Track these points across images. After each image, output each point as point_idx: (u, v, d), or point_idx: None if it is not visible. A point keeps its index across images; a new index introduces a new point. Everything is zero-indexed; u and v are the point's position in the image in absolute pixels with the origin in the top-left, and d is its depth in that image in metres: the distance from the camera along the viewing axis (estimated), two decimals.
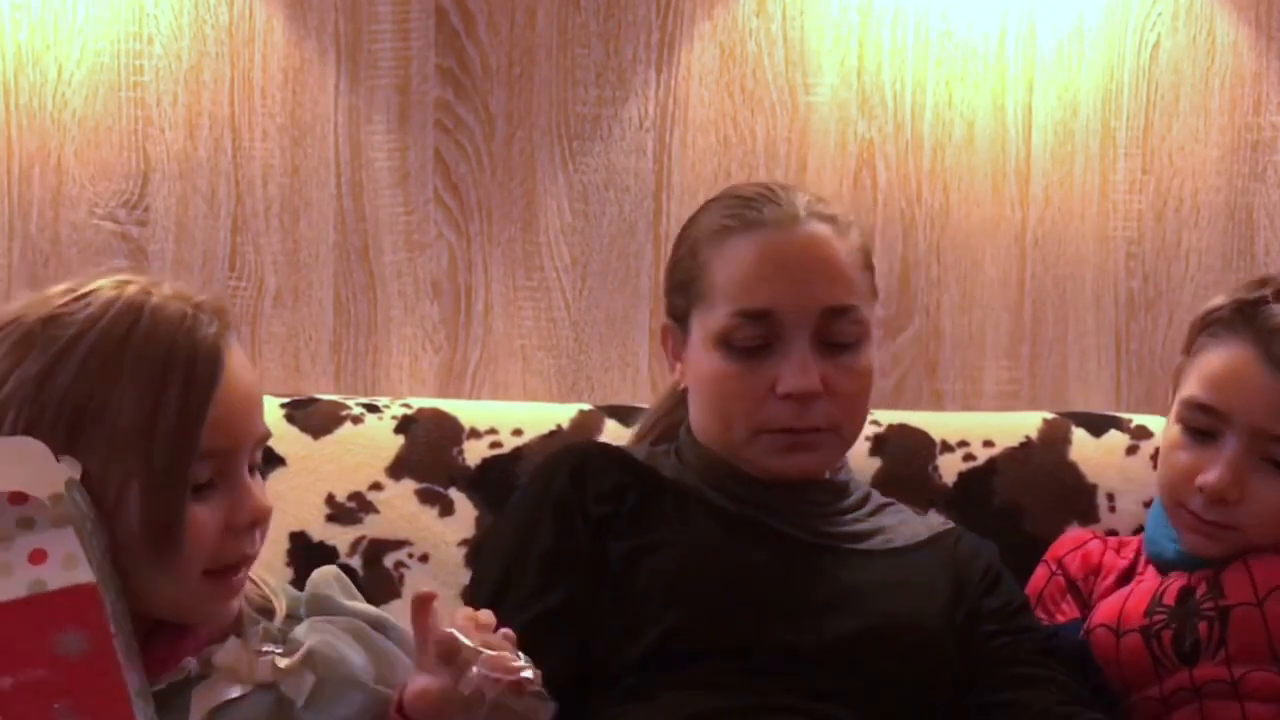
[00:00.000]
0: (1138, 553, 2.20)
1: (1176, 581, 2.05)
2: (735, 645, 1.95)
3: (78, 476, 1.58)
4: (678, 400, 2.22)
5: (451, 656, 1.59)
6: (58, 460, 1.58)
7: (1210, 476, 2.02)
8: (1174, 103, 2.71)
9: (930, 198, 2.71)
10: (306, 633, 1.72)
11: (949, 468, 2.45)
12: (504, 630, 1.65)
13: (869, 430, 2.46)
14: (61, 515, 1.55)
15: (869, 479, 2.40)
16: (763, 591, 2.00)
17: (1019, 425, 2.50)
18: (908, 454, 2.46)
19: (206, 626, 1.71)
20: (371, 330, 2.70)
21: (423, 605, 1.65)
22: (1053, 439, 2.48)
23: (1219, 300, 2.11)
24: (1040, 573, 2.24)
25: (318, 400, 2.49)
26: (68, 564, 1.52)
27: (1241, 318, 2.06)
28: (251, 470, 1.71)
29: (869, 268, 2.12)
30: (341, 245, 2.70)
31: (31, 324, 1.64)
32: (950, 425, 2.51)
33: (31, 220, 2.68)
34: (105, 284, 1.68)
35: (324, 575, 1.81)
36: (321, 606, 1.78)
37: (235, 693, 1.68)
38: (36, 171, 2.68)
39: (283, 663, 1.69)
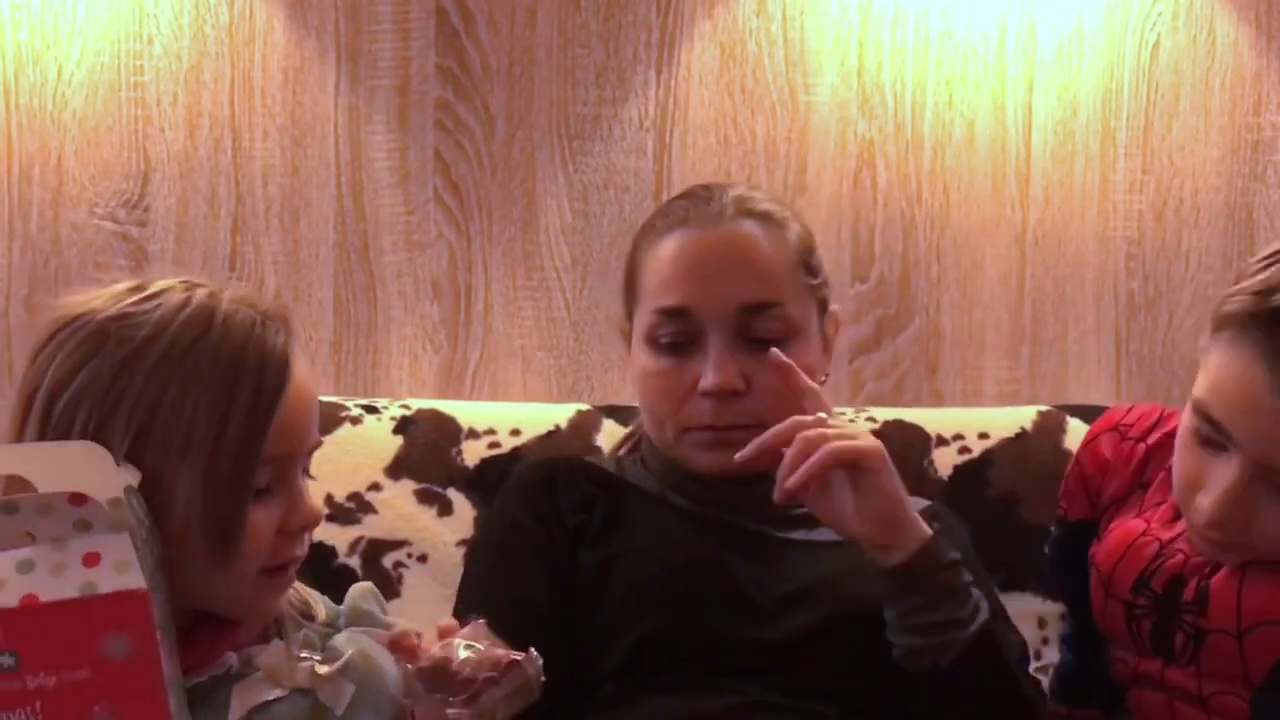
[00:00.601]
0: (1157, 443, 2.08)
1: (1172, 562, 1.97)
2: (711, 646, 1.95)
3: (136, 484, 1.59)
4: None
5: (448, 679, 1.61)
6: (118, 465, 1.59)
7: (1206, 502, 1.86)
8: (1174, 103, 2.70)
9: (930, 198, 2.71)
10: (346, 643, 1.74)
11: (944, 461, 2.46)
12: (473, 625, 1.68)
13: (864, 427, 2.46)
14: (119, 520, 1.56)
15: None
16: (735, 591, 1.99)
17: (1014, 418, 2.51)
18: (902, 449, 2.45)
19: (250, 624, 1.73)
20: (371, 330, 2.70)
21: (405, 647, 1.66)
22: (1047, 429, 2.48)
23: (1245, 286, 1.83)
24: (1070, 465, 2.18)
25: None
26: (120, 569, 1.54)
27: (1259, 328, 1.80)
28: (304, 475, 1.74)
29: (806, 265, 2.09)
30: (341, 245, 2.70)
31: (102, 321, 1.65)
32: (945, 420, 2.51)
33: (31, 220, 2.68)
34: (173, 285, 1.70)
35: (361, 591, 1.84)
36: (360, 620, 1.81)
37: (275, 694, 1.69)
38: (36, 171, 2.68)
39: (322, 670, 1.70)
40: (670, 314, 2.05)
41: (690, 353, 2.04)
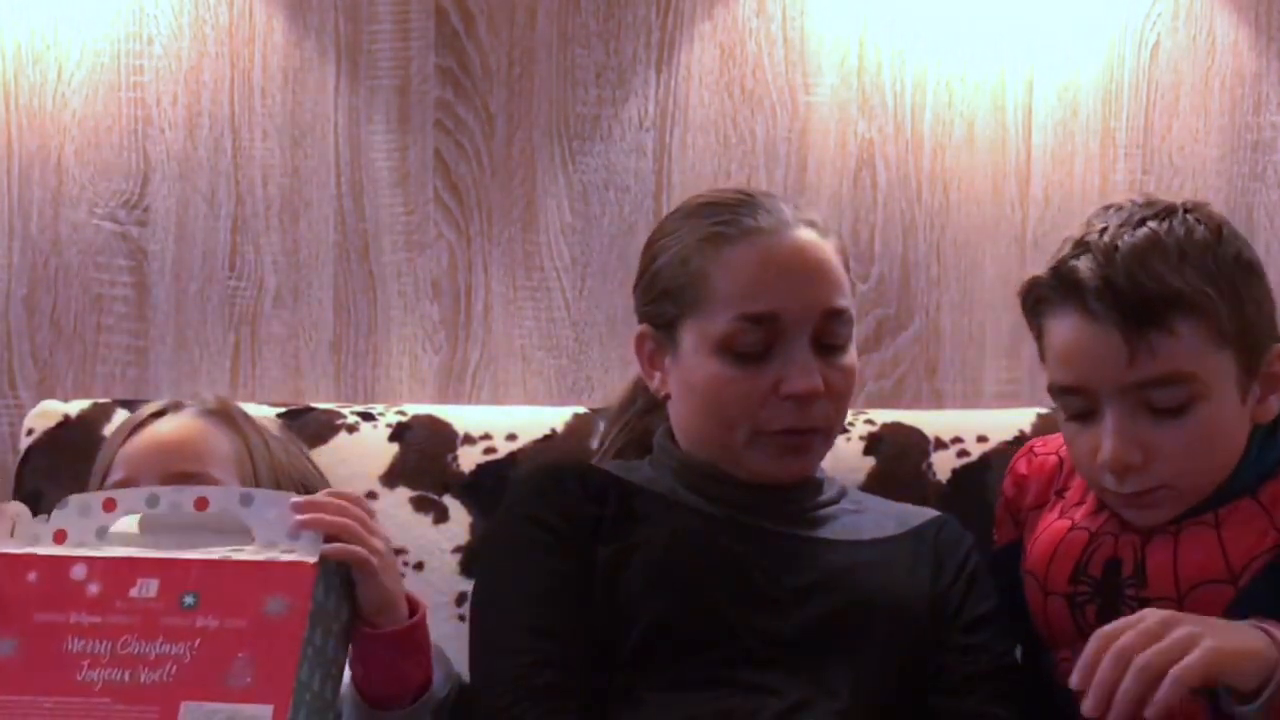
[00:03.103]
0: (1068, 453, 2.13)
1: (1105, 546, 2.00)
2: (723, 635, 1.97)
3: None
4: (641, 410, 2.24)
5: None
6: None
7: (1105, 453, 1.93)
8: (1174, 103, 2.70)
9: (930, 198, 2.71)
10: None
11: (942, 465, 2.46)
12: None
13: (863, 430, 2.47)
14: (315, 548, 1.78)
15: (863, 479, 2.41)
16: (744, 580, 2.01)
17: (1013, 421, 2.50)
18: (901, 452, 2.46)
19: None
20: (371, 330, 2.71)
21: None
22: (1047, 433, 2.45)
23: (1037, 274, 1.99)
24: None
25: (313, 409, 2.50)
26: (304, 552, 1.76)
27: (1054, 285, 1.95)
28: None
29: (849, 270, 2.15)
30: (341, 245, 2.71)
31: None
32: (944, 423, 2.51)
33: (31, 220, 2.69)
34: None
35: None
36: None
37: None
38: (36, 171, 2.68)
39: None
40: (756, 320, 2.05)
41: (765, 359, 2.06)
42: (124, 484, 2.10)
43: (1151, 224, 1.93)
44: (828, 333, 2.07)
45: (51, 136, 2.68)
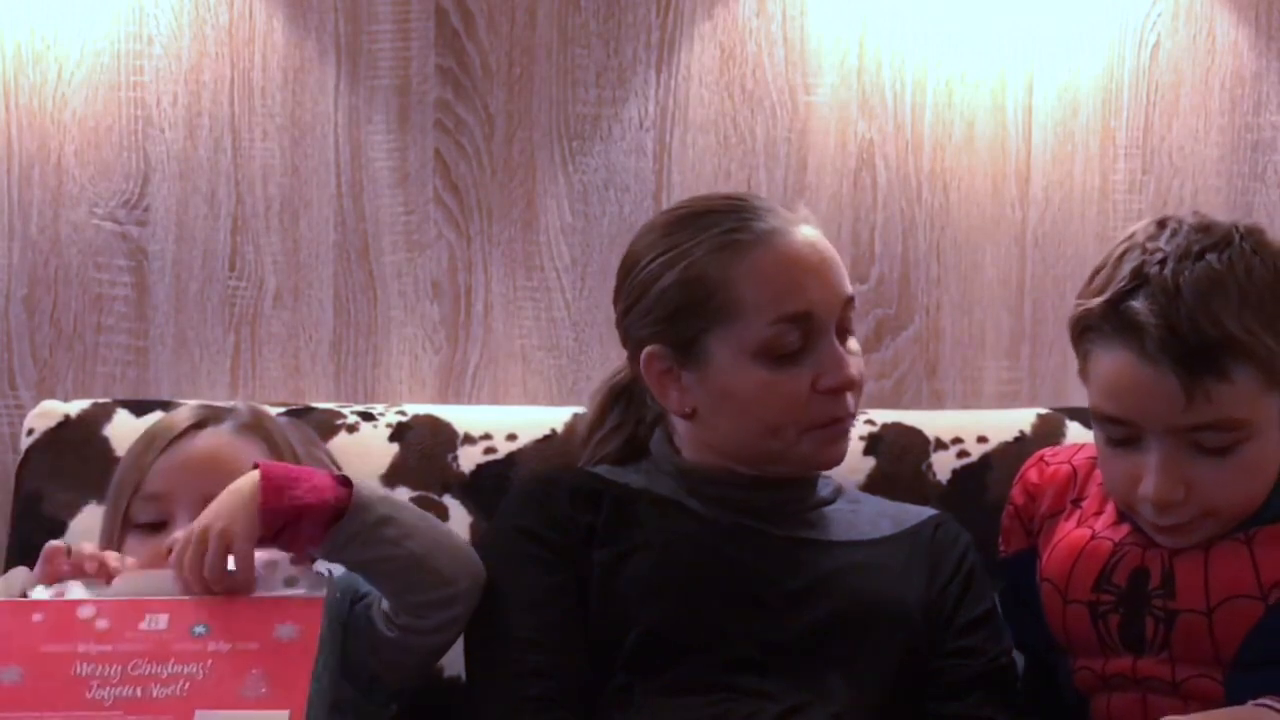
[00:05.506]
0: (1081, 463, 2.15)
1: (1130, 556, 2.01)
2: (720, 639, 1.97)
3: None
4: (623, 420, 2.25)
5: None
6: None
7: (1148, 489, 1.92)
8: (1174, 103, 2.70)
9: (930, 198, 2.71)
10: None
11: (942, 465, 2.46)
12: None
13: (863, 430, 2.47)
14: (318, 582, 1.87)
15: (863, 479, 2.41)
16: (739, 584, 2.02)
17: (1013, 421, 2.51)
18: (901, 453, 2.46)
19: None
20: (371, 331, 2.71)
21: None
22: (1047, 433, 2.48)
23: (1091, 302, 1.95)
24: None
25: (313, 409, 2.50)
26: (312, 587, 1.86)
27: (1110, 320, 1.92)
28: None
29: None
30: (341, 245, 2.70)
31: None
32: (944, 423, 2.51)
33: (31, 220, 2.69)
34: None
35: None
36: None
37: None
38: (36, 171, 2.68)
39: None
40: (794, 319, 2.06)
41: (798, 357, 2.07)
42: (157, 499, 2.11)
43: (1210, 257, 1.90)
44: (846, 320, 2.11)
45: (51, 136, 2.68)
